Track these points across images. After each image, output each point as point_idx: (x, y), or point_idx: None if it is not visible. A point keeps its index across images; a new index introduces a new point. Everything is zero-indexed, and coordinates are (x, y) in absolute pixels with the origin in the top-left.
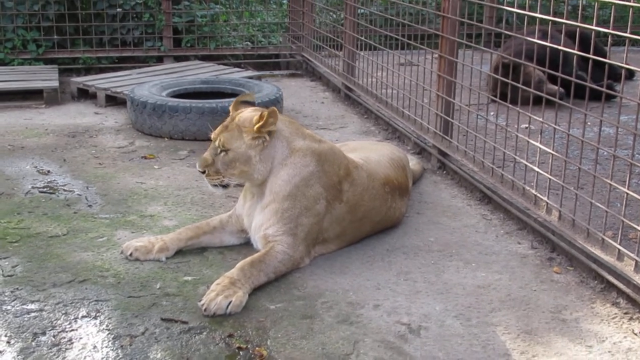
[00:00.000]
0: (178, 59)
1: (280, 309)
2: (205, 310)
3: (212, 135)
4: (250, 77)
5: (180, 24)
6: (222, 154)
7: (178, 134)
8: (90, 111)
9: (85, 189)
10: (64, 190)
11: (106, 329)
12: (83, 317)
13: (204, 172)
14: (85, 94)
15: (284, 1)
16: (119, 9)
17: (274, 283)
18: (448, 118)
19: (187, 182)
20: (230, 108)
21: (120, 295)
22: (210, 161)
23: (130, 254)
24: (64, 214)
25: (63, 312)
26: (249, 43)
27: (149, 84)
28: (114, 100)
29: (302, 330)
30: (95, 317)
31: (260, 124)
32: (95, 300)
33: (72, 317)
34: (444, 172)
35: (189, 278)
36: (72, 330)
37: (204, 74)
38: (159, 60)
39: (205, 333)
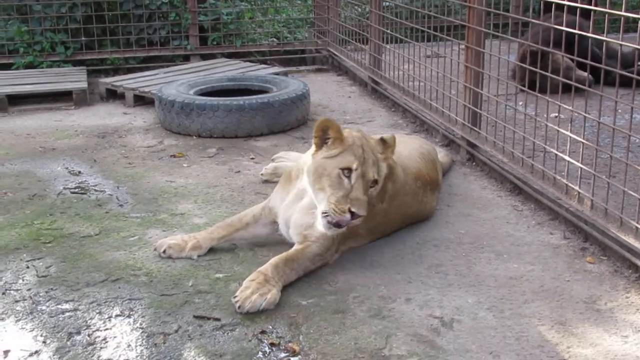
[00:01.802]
0: (204, 57)
1: (312, 305)
2: (239, 307)
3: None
4: (277, 74)
5: (206, 22)
6: (374, 187)
7: (206, 132)
8: (119, 111)
9: (115, 188)
10: (95, 190)
11: (139, 328)
12: (117, 315)
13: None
14: (113, 95)
15: None
16: (145, 9)
17: (304, 279)
18: (476, 109)
19: (216, 179)
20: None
21: (153, 294)
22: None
23: (164, 251)
24: (96, 214)
25: (97, 311)
26: (274, 39)
27: (176, 82)
28: (142, 100)
29: (334, 325)
30: (128, 316)
31: (393, 148)
32: (129, 299)
33: (106, 316)
34: (473, 163)
35: (221, 275)
36: (107, 329)
37: (231, 71)
38: (186, 59)
39: (237, 330)
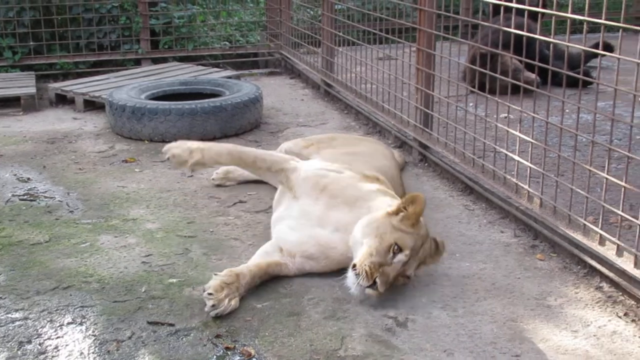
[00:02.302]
0: (156, 61)
1: (267, 307)
2: (213, 307)
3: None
4: (229, 77)
5: (157, 26)
6: (401, 281)
7: (158, 136)
8: (68, 117)
9: (66, 195)
10: (45, 197)
11: (92, 335)
12: (69, 323)
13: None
14: (63, 100)
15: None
16: (95, 13)
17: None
18: (428, 110)
19: (169, 184)
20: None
21: (106, 300)
22: None
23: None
24: (46, 221)
25: (48, 319)
26: (227, 43)
27: (127, 87)
28: (93, 105)
29: (290, 327)
30: (80, 324)
31: (441, 256)
32: (80, 307)
33: (58, 325)
34: (426, 164)
35: (174, 280)
36: (58, 337)
37: (183, 75)
38: (137, 63)
39: (192, 334)
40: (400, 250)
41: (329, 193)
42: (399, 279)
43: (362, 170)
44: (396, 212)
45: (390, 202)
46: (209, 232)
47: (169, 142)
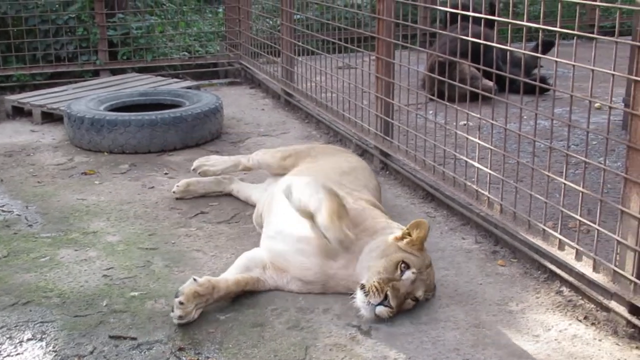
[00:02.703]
0: (115, 72)
1: (230, 319)
2: (180, 318)
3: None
4: (189, 87)
5: (115, 37)
6: (411, 303)
7: (118, 148)
8: (26, 129)
9: (24, 208)
10: (3, 210)
11: (53, 351)
12: (28, 339)
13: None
14: (20, 112)
15: (220, 10)
16: (51, 24)
17: None
18: (388, 119)
19: (130, 196)
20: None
21: (66, 315)
22: None
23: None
24: (4, 235)
25: (7, 336)
26: (186, 53)
27: (85, 98)
28: (51, 117)
29: (253, 338)
30: (41, 339)
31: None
32: (41, 322)
33: (17, 341)
34: (387, 172)
35: (136, 293)
36: (18, 354)
37: (142, 86)
38: (95, 74)
39: (155, 348)
40: (408, 267)
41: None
42: (408, 302)
43: (359, 193)
44: (401, 238)
45: (396, 228)
46: (170, 244)
47: (129, 153)
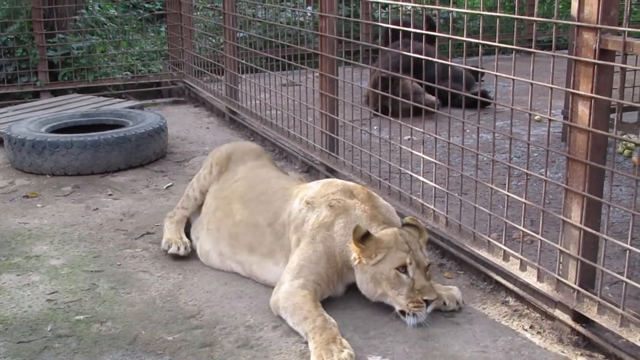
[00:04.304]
0: (56, 93)
1: (178, 340)
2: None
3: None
4: (132, 107)
5: (55, 58)
6: (429, 271)
7: (60, 170)
8: None
9: None
10: None
11: None
12: None
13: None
14: None
15: (162, 29)
16: None
17: (170, 314)
18: (333, 135)
19: (73, 218)
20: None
21: (9, 342)
22: None
23: None
24: None
25: None
26: (128, 73)
27: (26, 120)
28: None
29: (202, 359)
30: None
31: (422, 229)
32: None
33: None
34: None
35: (81, 317)
36: None
37: (84, 106)
38: (36, 95)
39: None
40: (404, 266)
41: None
42: (427, 274)
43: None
44: (360, 258)
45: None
46: (116, 265)
47: (72, 175)
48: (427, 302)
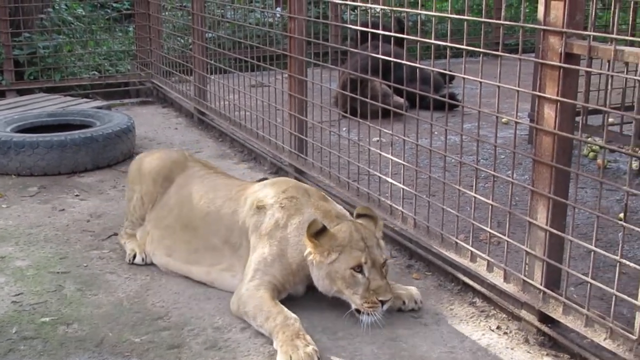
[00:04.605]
0: (22, 92)
1: (145, 342)
2: None
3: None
4: (100, 107)
5: (21, 57)
6: (385, 267)
7: (26, 170)
8: None
9: None
10: None
11: None
12: None
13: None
14: None
15: (130, 28)
16: None
17: (137, 315)
18: (302, 136)
19: (39, 219)
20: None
21: None
22: None
23: None
24: None
25: None
26: (96, 72)
27: None
28: None
29: None
30: None
31: (377, 218)
32: None
33: None
34: None
35: (47, 319)
36: None
37: (51, 106)
38: (1, 95)
39: None
40: (359, 266)
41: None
42: (383, 270)
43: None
44: (316, 252)
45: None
46: (83, 267)
47: (38, 175)
48: (382, 303)
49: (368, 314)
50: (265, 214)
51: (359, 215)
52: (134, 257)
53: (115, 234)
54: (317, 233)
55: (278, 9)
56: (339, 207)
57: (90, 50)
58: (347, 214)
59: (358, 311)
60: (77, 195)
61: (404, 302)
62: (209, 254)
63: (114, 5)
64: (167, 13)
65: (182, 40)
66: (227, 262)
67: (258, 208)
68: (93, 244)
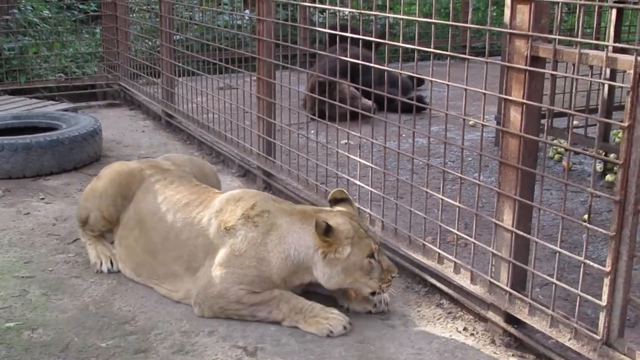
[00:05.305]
0: None
1: (111, 346)
2: None
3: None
4: (66, 110)
5: None
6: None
7: None
8: None
9: None
10: None
11: None
12: None
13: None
14: None
15: (97, 30)
16: None
17: (103, 320)
18: (270, 139)
19: (3, 222)
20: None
21: None
22: None
23: None
24: None
25: None
26: (62, 74)
27: None
28: None
29: None
30: None
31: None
32: None
33: None
34: (270, 192)
35: (12, 324)
36: None
37: (16, 109)
38: None
39: None
40: (372, 253)
41: None
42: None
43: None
44: (326, 253)
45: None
46: (48, 271)
47: (3, 179)
48: (387, 283)
49: (383, 291)
50: (236, 235)
51: (335, 200)
52: (101, 264)
53: None
54: (326, 231)
55: (247, 11)
56: (307, 205)
57: (56, 52)
58: (321, 207)
59: (372, 294)
60: (42, 199)
61: (374, 305)
62: (169, 281)
63: (81, 6)
64: (134, 15)
65: (150, 43)
66: (185, 288)
67: (227, 230)
68: (59, 247)
